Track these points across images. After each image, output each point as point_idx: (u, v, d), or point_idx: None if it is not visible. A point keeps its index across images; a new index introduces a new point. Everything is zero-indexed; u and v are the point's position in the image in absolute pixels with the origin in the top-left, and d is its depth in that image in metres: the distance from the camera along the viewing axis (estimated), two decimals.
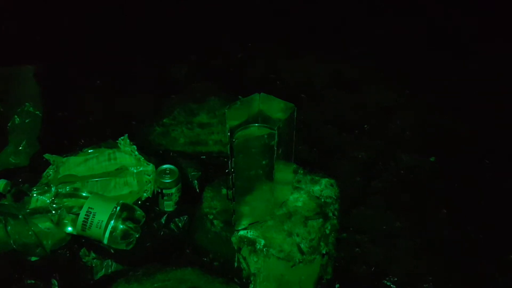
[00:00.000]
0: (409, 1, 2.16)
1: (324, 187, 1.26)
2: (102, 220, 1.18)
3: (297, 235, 1.15)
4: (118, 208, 1.21)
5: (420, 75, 1.88)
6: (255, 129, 1.12)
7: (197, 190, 1.36)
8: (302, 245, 1.13)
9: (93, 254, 1.20)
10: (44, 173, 1.36)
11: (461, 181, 1.49)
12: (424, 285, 1.23)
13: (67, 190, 1.26)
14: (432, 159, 1.56)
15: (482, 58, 1.94)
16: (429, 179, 1.50)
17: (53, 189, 1.24)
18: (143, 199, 1.31)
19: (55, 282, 1.16)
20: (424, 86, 1.84)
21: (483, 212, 1.40)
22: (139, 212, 1.24)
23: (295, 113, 1.09)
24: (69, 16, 2.00)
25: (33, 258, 1.19)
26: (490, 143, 1.61)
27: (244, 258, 1.14)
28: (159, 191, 1.29)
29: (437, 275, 1.25)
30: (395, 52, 1.97)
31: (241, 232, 1.16)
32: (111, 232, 1.19)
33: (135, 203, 1.29)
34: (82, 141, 1.53)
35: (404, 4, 2.14)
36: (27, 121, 1.49)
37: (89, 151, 1.43)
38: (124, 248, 1.21)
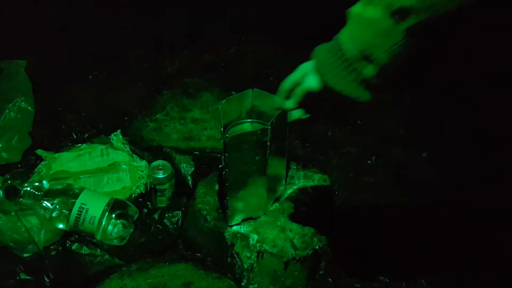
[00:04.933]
0: None
1: (317, 183, 1.27)
2: (95, 216, 1.18)
3: (290, 231, 1.15)
4: (111, 204, 1.20)
5: (413, 71, 1.88)
6: (248, 125, 1.12)
7: (191, 185, 1.36)
8: (295, 241, 1.13)
9: (86, 250, 1.19)
10: (36, 169, 1.35)
11: (453, 177, 1.50)
12: (418, 281, 1.24)
13: (60, 186, 1.26)
14: (424, 155, 1.57)
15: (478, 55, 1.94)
16: (421, 174, 1.51)
17: (45, 185, 1.24)
18: (136, 194, 1.31)
19: (47, 278, 1.16)
20: (417, 82, 1.84)
21: (476, 208, 1.41)
22: (132, 208, 1.24)
23: None
24: (61, 10, 1.98)
25: (26, 255, 1.18)
26: (482, 140, 1.62)
27: (237, 254, 1.14)
28: (152, 186, 1.29)
29: (431, 270, 1.26)
30: None
31: (234, 228, 1.16)
32: (104, 228, 1.19)
33: (128, 199, 1.29)
34: (75, 136, 1.52)
35: None
36: (18, 116, 1.48)
37: (82, 146, 1.43)
38: (117, 244, 1.21)
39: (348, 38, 0.78)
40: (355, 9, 0.79)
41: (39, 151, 1.40)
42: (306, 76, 0.86)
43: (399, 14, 0.73)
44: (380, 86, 0.79)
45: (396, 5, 0.72)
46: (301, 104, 0.92)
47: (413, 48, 0.75)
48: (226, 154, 1.04)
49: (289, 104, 0.92)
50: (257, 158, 1.07)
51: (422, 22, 0.72)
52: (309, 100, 0.90)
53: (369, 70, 0.77)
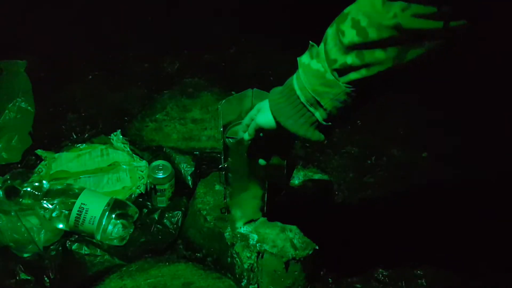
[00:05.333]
0: None
1: (317, 183, 1.27)
2: (95, 216, 1.18)
3: (290, 231, 1.15)
4: (111, 204, 1.20)
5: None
6: None
7: (190, 185, 1.36)
8: (295, 241, 1.13)
9: (86, 250, 1.19)
10: (36, 169, 1.35)
11: (453, 177, 1.50)
12: (418, 281, 1.24)
13: (60, 186, 1.26)
14: (424, 155, 1.57)
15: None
16: (421, 174, 1.51)
17: (45, 185, 1.24)
18: (136, 194, 1.31)
19: (47, 278, 1.16)
20: (417, 82, 1.84)
21: (476, 210, 1.41)
22: (132, 208, 1.24)
23: None
24: (61, 10, 1.98)
25: (26, 255, 1.18)
26: (482, 140, 1.62)
27: (237, 254, 1.14)
28: (152, 187, 1.29)
29: (429, 270, 1.26)
30: None
31: None
32: (104, 228, 1.19)
33: (128, 199, 1.29)
34: (75, 136, 1.52)
35: None
36: (18, 116, 1.49)
37: (82, 146, 1.43)
38: (117, 244, 1.21)
39: (298, 85, 0.82)
40: (303, 59, 0.83)
41: (39, 151, 1.40)
42: (259, 113, 0.91)
43: (340, 71, 0.77)
44: (332, 128, 0.84)
45: (337, 62, 0.77)
46: (256, 137, 0.97)
47: (357, 96, 0.79)
48: (226, 156, 1.04)
49: (245, 136, 0.98)
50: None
51: (363, 77, 0.76)
52: (265, 134, 0.94)
53: (319, 115, 0.82)
